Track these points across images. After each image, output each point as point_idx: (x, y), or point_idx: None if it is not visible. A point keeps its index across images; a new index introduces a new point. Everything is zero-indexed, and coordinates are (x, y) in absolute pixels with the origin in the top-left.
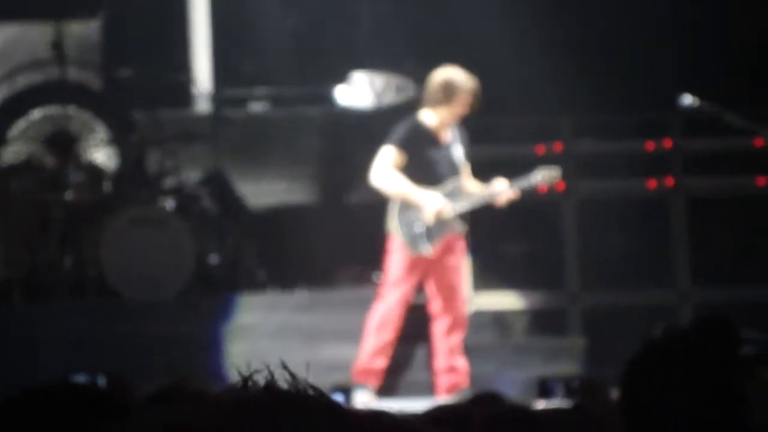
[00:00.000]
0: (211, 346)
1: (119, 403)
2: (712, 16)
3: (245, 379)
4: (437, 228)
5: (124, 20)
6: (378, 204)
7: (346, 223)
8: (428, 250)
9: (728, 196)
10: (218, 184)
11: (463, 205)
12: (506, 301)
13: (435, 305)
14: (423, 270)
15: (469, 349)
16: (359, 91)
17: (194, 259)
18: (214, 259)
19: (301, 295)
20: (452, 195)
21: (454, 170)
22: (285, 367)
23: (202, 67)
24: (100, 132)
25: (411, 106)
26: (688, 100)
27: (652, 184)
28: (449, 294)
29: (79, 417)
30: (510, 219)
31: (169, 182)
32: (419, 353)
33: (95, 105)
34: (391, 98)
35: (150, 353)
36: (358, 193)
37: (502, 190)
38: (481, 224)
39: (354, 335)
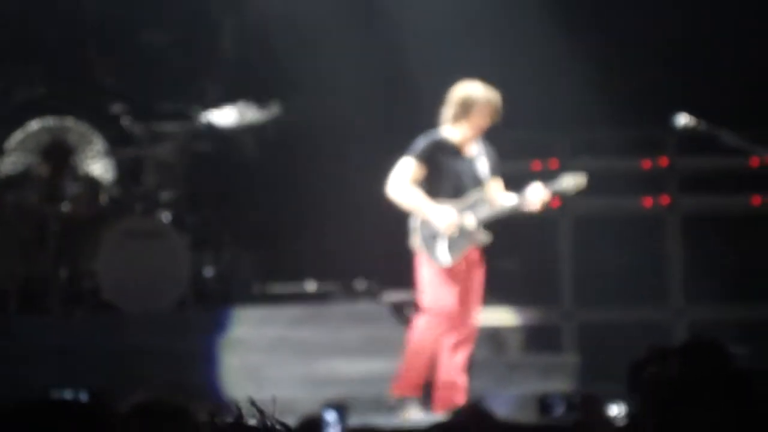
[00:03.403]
0: (205, 360)
1: (99, 421)
2: (710, 37)
3: (212, 414)
4: (460, 240)
5: None
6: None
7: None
8: (448, 261)
9: (723, 215)
10: (215, 198)
11: (486, 214)
12: (501, 317)
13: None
14: (456, 278)
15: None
16: (222, 108)
17: (189, 272)
18: (208, 272)
19: (295, 310)
20: (475, 206)
21: (477, 183)
22: (253, 403)
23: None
24: (98, 143)
25: (274, 126)
26: (683, 119)
27: (647, 202)
28: (467, 309)
29: None
30: (506, 235)
31: (165, 195)
32: None
33: (93, 116)
34: (252, 117)
35: (143, 366)
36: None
37: (534, 194)
38: None
39: (348, 350)
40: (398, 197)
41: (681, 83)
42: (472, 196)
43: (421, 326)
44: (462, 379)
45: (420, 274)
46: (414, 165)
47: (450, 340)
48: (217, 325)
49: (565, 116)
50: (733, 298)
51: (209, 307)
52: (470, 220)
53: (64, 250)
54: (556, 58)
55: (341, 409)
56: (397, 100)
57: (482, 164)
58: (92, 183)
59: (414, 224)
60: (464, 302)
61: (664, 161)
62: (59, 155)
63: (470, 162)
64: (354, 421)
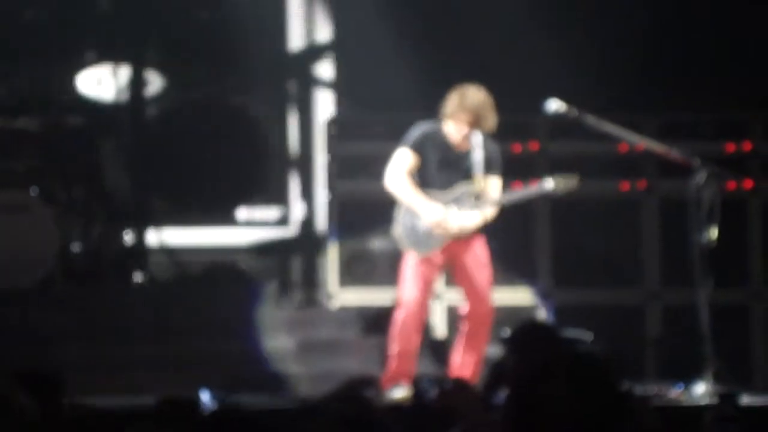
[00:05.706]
0: (69, 338)
1: None
2: (584, 22)
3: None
4: (439, 232)
5: None
6: None
7: None
8: (431, 251)
9: (592, 200)
10: (85, 171)
11: (470, 208)
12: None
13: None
14: (440, 268)
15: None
16: (102, 83)
17: (57, 247)
18: (77, 247)
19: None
20: (459, 199)
21: (467, 176)
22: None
23: None
24: None
25: (160, 102)
26: (554, 105)
27: (517, 185)
28: (474, 294)
29: None
30: None
31: (33, 168)
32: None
33: None
34: (135, 92)
35: (9, 343)
36: None
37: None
38: None
39: (211, 329)
40: (392, 188)
41: (552, 69)
42: (459, 188)
43: (396, 320)
44: (474, 373)
45: (403, 264)
46: (407, 155)
47: (463, 332)
48: (84, 302)
49: (433, 100)
50: (598, 282)
51: (77, 284)
52: (453, 218)
53: None
54: (424, 39)
55: (215, 388)
56: None
57: (477, 158)
58: None
59: (397, 214)
60: (467, 289)
61: (534, 145)
62: None
63: (462, 156)
64: (225, 399)
